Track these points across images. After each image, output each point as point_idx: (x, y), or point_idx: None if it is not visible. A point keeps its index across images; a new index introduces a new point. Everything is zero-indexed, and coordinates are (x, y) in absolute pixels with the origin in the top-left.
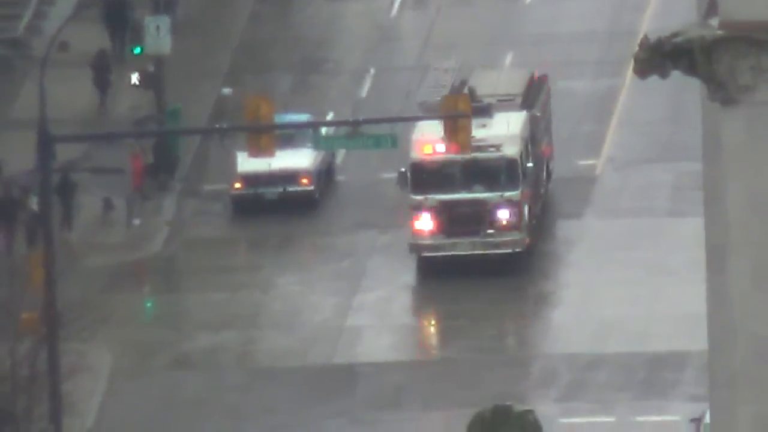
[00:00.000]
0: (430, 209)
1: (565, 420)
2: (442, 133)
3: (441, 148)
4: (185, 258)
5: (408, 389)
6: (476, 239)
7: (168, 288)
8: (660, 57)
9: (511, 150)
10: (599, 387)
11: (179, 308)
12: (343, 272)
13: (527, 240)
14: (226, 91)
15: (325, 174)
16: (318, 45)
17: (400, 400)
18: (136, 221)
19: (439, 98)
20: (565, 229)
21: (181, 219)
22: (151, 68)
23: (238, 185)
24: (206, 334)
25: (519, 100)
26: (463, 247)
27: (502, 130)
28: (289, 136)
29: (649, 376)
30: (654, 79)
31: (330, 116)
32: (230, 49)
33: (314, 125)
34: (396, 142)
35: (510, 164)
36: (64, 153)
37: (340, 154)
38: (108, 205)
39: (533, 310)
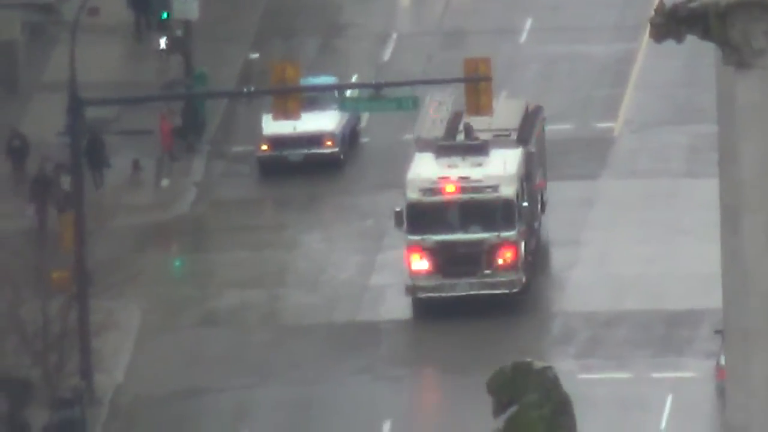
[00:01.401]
0: (426, 250)
1: (583, 376)
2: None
3: (437, 188)
4: (212, 218)
5: (429, 346)
6: (473, 280)
7: (195, 247)
8: (675, 22)
9: (508, 190)
10: (617, 344)
11: (206, 267)
12: (366, 232)
13: (524, 279)
14: (253, 55)
15: (349, 136)
16: (342, 10)
17: (422, 357)
18: (165, 182)
19: (435, 134)
20: (582, 190)
21: (208, 180)
22: (179, 33)
23: (264, 147)
24: (233, 292)
25: (515, 135)
26: (461, 287)
27: (498, 170)
28: (313, 99)
29: (666, 333)
30: (670, 43)
31: (354, 79)
32: (257, 13)
33: (338, 88)
34: (417, 105)
35: (506, 205)
36: (94, 116)
37: (364, 117)
38: (137, 166)
39: (553, 270)
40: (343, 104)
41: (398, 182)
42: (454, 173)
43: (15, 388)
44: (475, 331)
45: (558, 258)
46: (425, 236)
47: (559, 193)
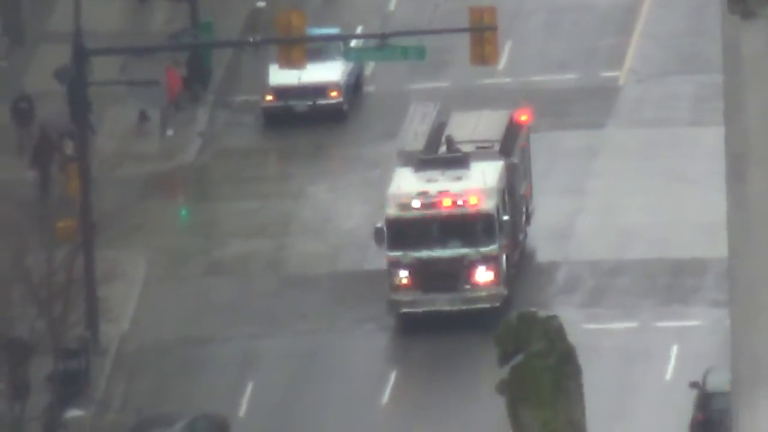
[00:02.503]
0: (407, 266)
1: (588, 326)
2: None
3: (417, 204)
4: (217, 167)
5: None
6: (454, 295)
7: (201, 197)
8: None
9: (488, 204)
10: (622, 293)
11: (212, 216)
12: (372, 181)
13: (505, 293)
14: (260, 3)
15: (353, 87)
16: None
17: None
18: (170, 132)
19: (417, 147)
20: (587, 139)
21: (213, 130)
22: None
23: (269, 98)
24: (238, 242)
25: (497, 146)
26: (442, 303)
27: (479, 183)
28: (318, 51)
29: (671, 282)
30: None
31: (359, 30)
32: None
33: (344, 38)
34: (423, 54)
35: (486, 219)
36: (100, 66)
37: (369, 67)
38: (143, 116)
39: (557, 219)
40: (348, 54)
41: None
42: (434, 188)
43: (15, 348)
44: None
45: (562, 207)
46: (405, 252)
47: (564, 143)
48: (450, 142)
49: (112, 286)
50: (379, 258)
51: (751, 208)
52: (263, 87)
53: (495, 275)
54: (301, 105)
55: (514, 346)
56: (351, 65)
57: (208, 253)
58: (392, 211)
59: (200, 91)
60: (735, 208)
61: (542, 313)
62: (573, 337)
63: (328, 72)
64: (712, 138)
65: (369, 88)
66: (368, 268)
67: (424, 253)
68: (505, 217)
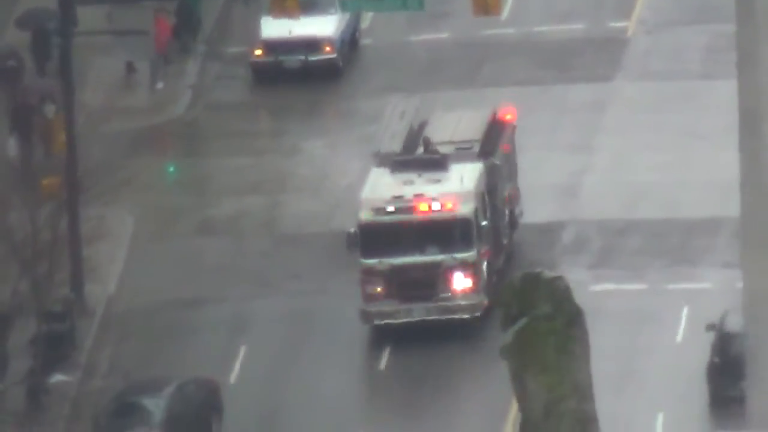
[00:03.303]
0: (381, 274)
1: (596, 287)
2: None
3: (391, 208)
4: (208, 122)
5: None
6: (430, 304)
7: (191, 152)
8: None
9: (465, 209)
10: (630, 254)
11: (202, 173)
12: (369, 137)
13: (485, 302)
14: None
15: (349, 42)
16: None
17: None
18: (159, 85)
19: (394, 148)
20: (595, 92)
21: (203, 83)
22: None
23: (258, 52)
24: (230, 200)
25: (477, 147)
26: (417, 312)
27: (456, 187)
28: (313, 2)
29: (682, 242)
30: None
31: None
32: None
33: None
34: (422, 4)
35: (463, 224)
36: (84, 15)
37: (366, 18)
38: (130, 68)
39: (563, 177)
40: (344, 4)
41: (403, 86)
42: (410, 191)
43: None
44: None
45: (569, 164)
46: (379, 259)
47: (570, 97)
48: (427, 143)
49: (98, 245)
50: None
51: (765, 164)
52: (254, 39)
53: (474, 283)
54: (293, 60)
55: (518, 308)
56: (346, 19)
57: (198, 212)
58: (365, 216)
59: (190, 41)
60: (748, 165)
61: (548, 273)
62: (580, 299)
63: (322, 26)
64: (725, 91)
65: (366, 41)
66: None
67: (399, 260)
68: (484, 222)
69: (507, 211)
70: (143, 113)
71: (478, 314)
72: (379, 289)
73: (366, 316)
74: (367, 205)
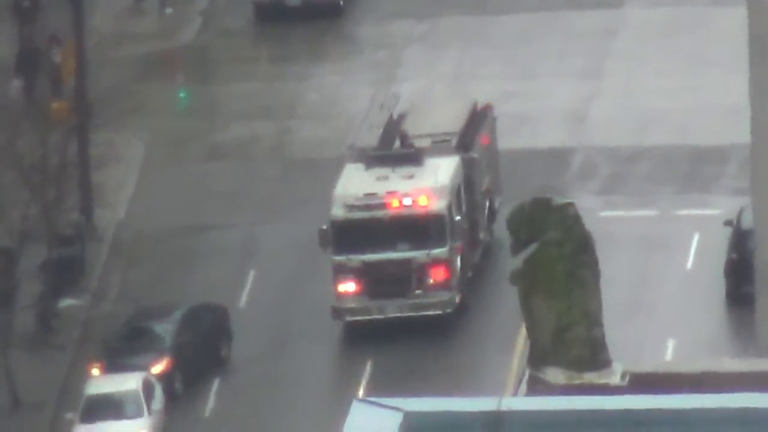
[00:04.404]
0: (353, 270)
1: (605, 213)
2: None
3: (364, 204)
4: (219, 47)
5: None
6: (403, 301)
7: (201, 78)
8: None
9: (438, 204)
10: (640, 180)
11: (212, 98)
12: (378, 63)
13: (458, 298)
14: None
15: None
16: None
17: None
18: (169, 10)
19: (370, 142)
20: (605, 19)
21: (213, 8)
22: None
23: None
24: (240, 125)
25: (455, 140)
26: (390, 309)
27: (430, 182)
28: None
29: (691, 169)
30: None
31: None
32: None
33: None
34: None
35: (436, 220)
36: None
37: None
38: None
39: (573, 103)
40: None
41: (413, 11)
42: (383, 187)
43: None
44: None
45: (578, 90)
46: (351, 256)
47: (580, 23)
48: (404, 137)
49: (107, 170)
50: None
51: None
52: None
53: (447, 279)
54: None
55: (527, 233)
56: None
57: (208, 137)
58: (338, 212)
59: None
60: (758, 91)
61: (558, 199)
62: (590, 225)
63: None
64: (735, 18)
65: None
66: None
67: (372, 257)
68: (458, 218)
69: (486, 204)
70: (153, 39)
71: (449, 311)
72: (351, 286)
73: (338, 313)
74: (339, 201)
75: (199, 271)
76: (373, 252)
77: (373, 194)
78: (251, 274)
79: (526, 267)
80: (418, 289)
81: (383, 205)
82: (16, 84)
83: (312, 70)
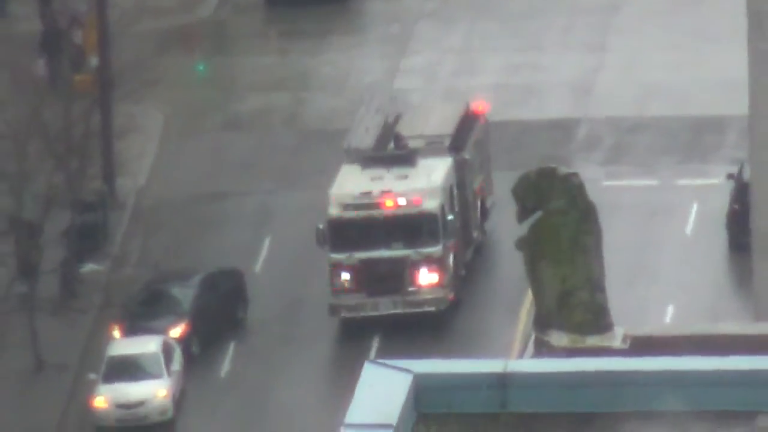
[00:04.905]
0: (349, 268)
1: (608, 182)
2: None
3: (359, 204)
4: (236, 22)
5: None
6: (397, 298)
7: (219, 51)
8: None
9: (431, 204)
10: (642, 150)
11: (229, 71)
12: (391, 36)
13: (451, 296)
14: None
15: None
16: None
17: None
18: None
19: (366, 143)
20: None
21: None
22: None
23: None
24: (256, 96)
25: (447, 141)
26: (385, 306)
27: (423, 182)
28: None
29: (692, 139)
30: None
31: None
32: None
33: None
34: None
35: (429, 219)
36: None
37: None
38: None
39: (577, 76)
40: None
41: None
42: (378, 187)
43: (21, 229)
44: (501, 134)
45: (583, 63)
46: (347, 254)
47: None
48: (398, 139)
49: (129, 140)
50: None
51: None
52: None
53: (439, 277)
54: None
55: (533, 201)
56: None
57: (225, 108)
58: (334, 211)
59: None
60: (755, 65)
61: (563, 169)
62: (593, 194)
63: None
64: None
65: None
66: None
67: (367, 255)
68: (450, 217)
69: (478, 204)
70: (173, 13)
71: (442, 308)
72: (347, 283)
73: (334, 309)
74: (335, 200)
75: (217, 237)
76: (369, 250)
77: (369, 194)
78: (267, 240)
79: (532, 234)
80: (412, 286)
81: (378, 205)
82: (41, 63)
83: (326, 44)
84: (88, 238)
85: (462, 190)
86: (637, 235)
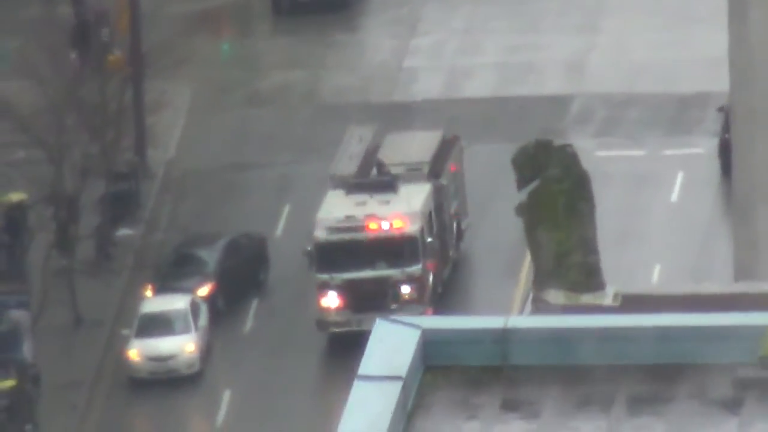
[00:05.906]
0: (335, 287)
1: (600, 153)
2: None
3: (344, 227)
4: (259, 5)
5: (460, 123)
6: (380, 315)
7: (243, 32)
8: None
9: (412, 228)
10: (631, 123)
11: (253, 51)
12: (401, 18)
13: (431, 311)
14: None
15: None
16: None
17: (453, 131)
18: None
19: (349, 170)
20: None
21: None
22: None
23: None
24: (276, 74)
25: (426, 168)
26: (368, 322)
27: (404, 207)
28: None
29: (677, 113)
30: None
31: None
32: None
33: None
34: None
35: (410, 241)
36: None
37: None
38: None
39: (571, 55)
40: None
41: None
42: (362, 212)
43: (61, 203)
44: (501, 109)
45: (576, 43)
46: (333, 274)
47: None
48: (380, 166)
49: (159, 115)
50: (407, 89)
51: (751, 44)
52: None
53: (420, 294)
54: None
55: (531, 171)
56: None
57: (248, 85)
58: (320, 235)
59: None
60: (736, 45)
61: (558, 141)
62: (586, 163)
63: None
64: None
65: None
66: (396, 99)
67: (352, 275)
68: (429, 239)
69: (454, 226)
70: None
71: None
72: (333, 301)
73: (322, 325)
74: (322, 224)
75: (240, 204)
76: (354, 270)
77: (353, 218)
78: (286, 208)
79: (530, 201)
80: (395, 303)
81: (362, 228)
82: (72, 56)
83: (340, 26)
84: (121, 205)
85: (440, 213)
86: (626, 201)
